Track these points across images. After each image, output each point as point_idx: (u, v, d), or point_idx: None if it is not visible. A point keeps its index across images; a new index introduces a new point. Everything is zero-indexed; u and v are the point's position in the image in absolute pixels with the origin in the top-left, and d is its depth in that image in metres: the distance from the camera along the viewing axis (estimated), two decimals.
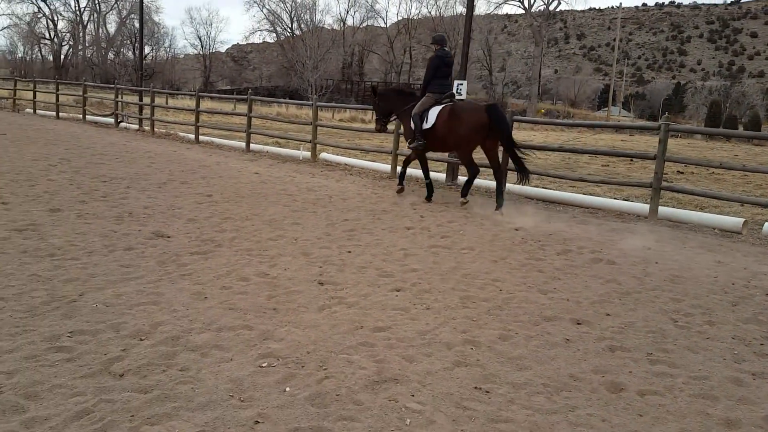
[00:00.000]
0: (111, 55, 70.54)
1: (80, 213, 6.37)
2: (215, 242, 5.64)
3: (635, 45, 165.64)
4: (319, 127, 13.29)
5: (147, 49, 71.59)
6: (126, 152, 12.47)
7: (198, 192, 8.39)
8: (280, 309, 3.96)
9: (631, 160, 18.40)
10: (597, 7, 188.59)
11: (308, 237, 6.20)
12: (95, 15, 69.40)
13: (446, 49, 8.94)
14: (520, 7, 62.53)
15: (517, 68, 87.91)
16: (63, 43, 69.54)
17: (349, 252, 5.69)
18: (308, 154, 13.27)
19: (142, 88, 18.50)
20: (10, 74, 50.71)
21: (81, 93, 21.12)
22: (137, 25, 69.40)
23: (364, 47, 76.04)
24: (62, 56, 68.72)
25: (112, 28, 70.65)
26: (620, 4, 71.51)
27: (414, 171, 10.27)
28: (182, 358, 3.10)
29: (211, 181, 9.55)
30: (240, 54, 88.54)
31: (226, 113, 17.71)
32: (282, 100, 21.69)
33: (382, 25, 79.72)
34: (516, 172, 8.43)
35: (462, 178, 9.98)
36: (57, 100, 21.03)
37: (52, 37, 68.88)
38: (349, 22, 75.88)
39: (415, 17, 77.71)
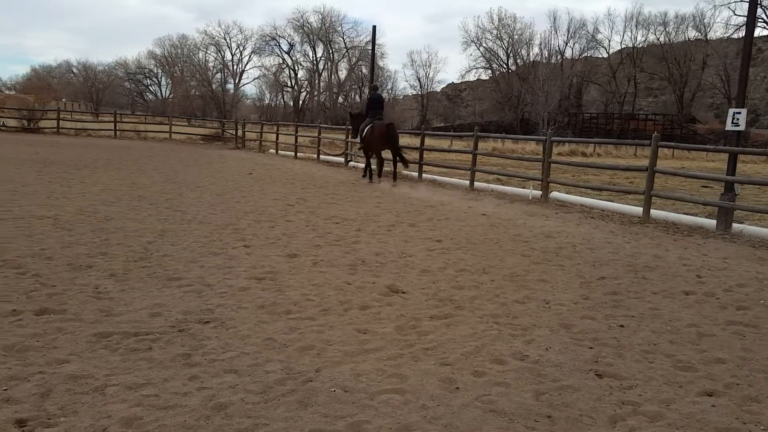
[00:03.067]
0: (341, 99, 77.28)
1: (315, 260, 6.13)
2: (454, 303, 4.87)
3: None
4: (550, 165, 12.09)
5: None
6: (355, 191, 12.64)
7: (427, 236, 7.83)
8: (557, 417, 2.96)
9: None
10: None
11: (562, 300, 5.13)
12: (329, 63, 76.86)
13: (378, 92, 15.93)
14: (765, 27, 54.23)
15: (757, 95, 76.11)
16: (301, 90, 78.12)
17: (622, 326, 4.49)
18: (538, 193, 12.16)
19: None
20: (258, 119, 58.01)
21: (316, 134, 22.76)
22: (365, 71, 75.41)
23: (582, 78, 72.48)
24: (300, 102, 77.13)
25: (342, 74, 77.54)
26: None
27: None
28: None
29: (438, 223, 8.98)
30: (454, 92, 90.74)
31: (449, 150, 17.40)
32: (511, 135, 20.99)
33: (604, 55, 75.36)
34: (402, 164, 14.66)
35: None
36: (296, 141, 22.91)
37: (293, 85, 77.84)
38: (567, 53, 73.14)
39: (640, 45, 72.21)
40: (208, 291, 4.79)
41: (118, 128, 31.64)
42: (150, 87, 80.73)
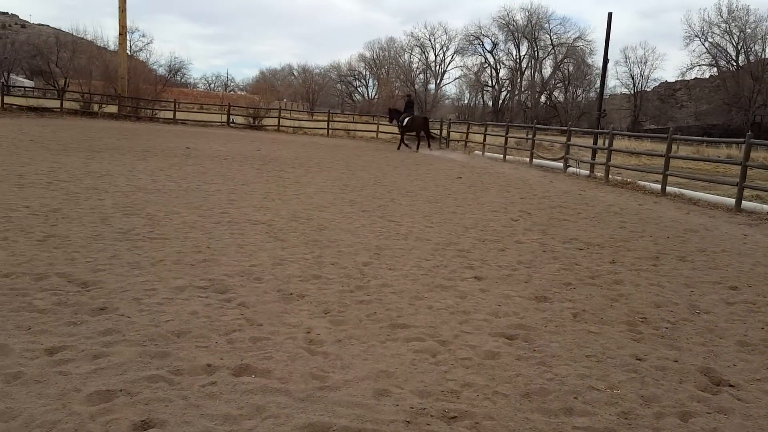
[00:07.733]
0: (543, 98, 73.50)
1: (574, 309, 4.57)
2: None
3: None
4: None
5: (578, 91, 72.20)
6: (585, 204, 10.73)
7: (712, 279, 5.80)
8: None
9: None
10: None
11: None
12: (533, 61, 73.51)
13: (411, 96, 29.44)
14: None
15: None
16: (502, 89, 75.87)
17: None
18: None
19: (598, 131, 16.84)
20: (456, 118, 57.13)
21: (524, 135, 20.91)
22: (571, 68, 70.82)
23: None
24: (500, 101, 74.88)
25: (546, 72, 73.72)
26: None
27: None
28: None
29: (717, 257, 6.81)
30: (667, 92, 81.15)
31: (704, 159, 14.47)
32: None
33: None
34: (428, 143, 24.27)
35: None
36: (505, 143, 21.34)
37: (494, 84, 75.91)
38: None
39: None
40: (444, 354, 3.52)
41: (330, 127, 32.88)
42: (358, 88, 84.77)
